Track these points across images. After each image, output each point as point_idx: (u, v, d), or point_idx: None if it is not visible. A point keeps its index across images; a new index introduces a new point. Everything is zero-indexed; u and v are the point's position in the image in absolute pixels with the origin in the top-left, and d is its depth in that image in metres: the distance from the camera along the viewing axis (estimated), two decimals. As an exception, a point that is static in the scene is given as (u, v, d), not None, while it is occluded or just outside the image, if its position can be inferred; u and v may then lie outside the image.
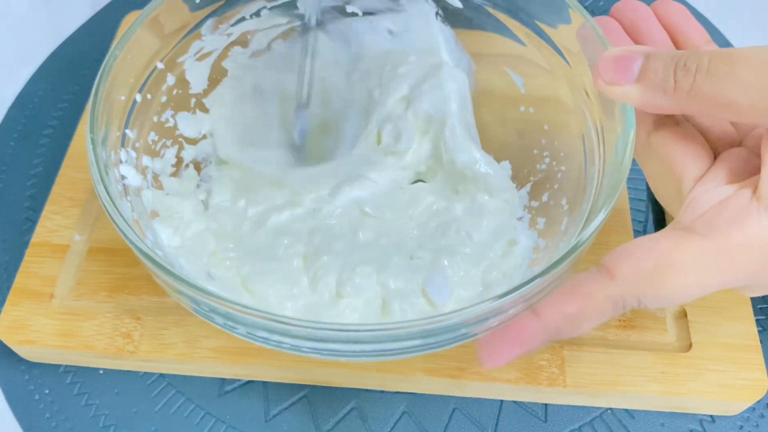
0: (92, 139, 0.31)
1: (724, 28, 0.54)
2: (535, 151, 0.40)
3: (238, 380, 0.38)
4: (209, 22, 0.39)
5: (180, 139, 0.40)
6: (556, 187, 0.38)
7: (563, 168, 0.38)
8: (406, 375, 0.36)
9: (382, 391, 0.37)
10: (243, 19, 0.40)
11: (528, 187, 0.40)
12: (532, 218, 0.39)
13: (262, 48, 0.42)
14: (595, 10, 0.55)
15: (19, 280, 0.39)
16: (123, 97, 0.35)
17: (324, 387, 0.38)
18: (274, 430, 0.37)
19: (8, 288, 0.39)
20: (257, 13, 0.41)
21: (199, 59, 0.40)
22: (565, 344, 0.37)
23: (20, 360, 0.38)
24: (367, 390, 0.37)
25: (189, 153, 0.41)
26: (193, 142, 0.41)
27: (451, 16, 0.41)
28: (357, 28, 0.43)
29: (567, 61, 0.36)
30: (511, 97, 0.41)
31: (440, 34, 0.41)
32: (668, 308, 0.32)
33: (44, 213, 0.41)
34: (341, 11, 0.42)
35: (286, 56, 0.43)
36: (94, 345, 0.37)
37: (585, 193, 0.34)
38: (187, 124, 0.40)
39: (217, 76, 0.42)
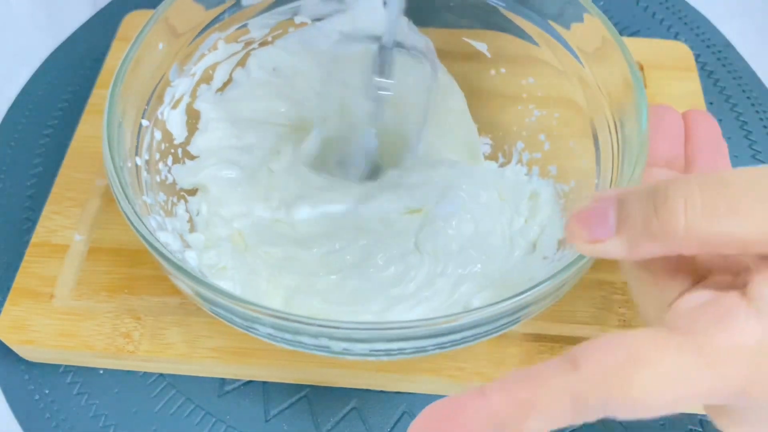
0: (134, 212, 0.30)
1: (724, 28, 0.54)
2: (542, 137, 0.41)
3: (238, 380, 0.38)
4: (174, 66, 0.38)
5: (182, 193, 0.39)
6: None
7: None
8: (406, 375, 0.36)
9: (382, 391, 0.37)
10: (203, 55, 0.40)
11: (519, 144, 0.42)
12: (541, 168, 0.40)
13: (225, 80, 0.42)
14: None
15: (19, 280, 0.39)
16: (129, 164, 0.34)
17: (324, 387, 0.38)
18: (274, 430, 0.37)
19: (8, 288, 0.39)
20: (214, 46, 0.40)
21: (174, 107, 0.39)
22: (565, 344, 0.37)
23: (20, 360, 0.38)
24: (367, 390, 0.37)
25: (194, 205, 0.39)
26: (192, 192, 0.40)
27: (462, 14, 0.41)
28: (308, 37, 0.42)
29: (580, 61, 0.36)
30: (519, 97, 0.42)
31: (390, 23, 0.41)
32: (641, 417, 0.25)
33: (44, 213, 0.41)
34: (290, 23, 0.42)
35: (252, 83, 0.43)
36: (94, 345, 0.37)
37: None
38: (182, 176, 0.39)
39: (193, 121, 0.41)
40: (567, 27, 0.37)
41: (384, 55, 0.35)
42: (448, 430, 0.23)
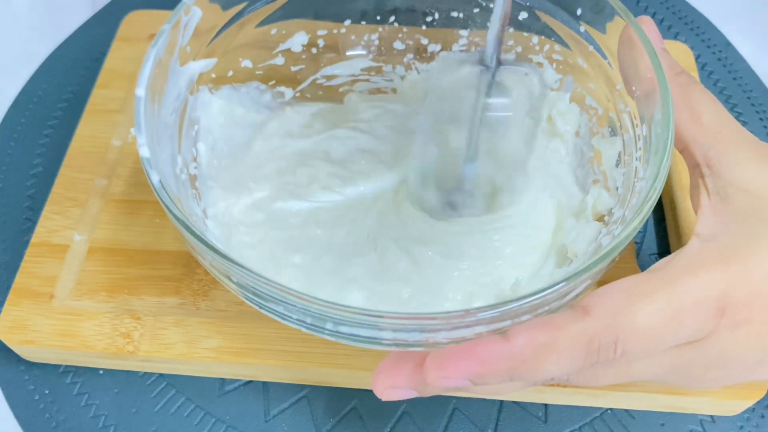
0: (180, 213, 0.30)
1: (724, 28, 0.54)
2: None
3: (238, 380, 0.38)
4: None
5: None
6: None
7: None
8: (406, 375, 0.36)
9: (382, 391, 0.37)
10: None
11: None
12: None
13: None
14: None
15: (19, 280, 0.39)
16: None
17: (324, 387, 0.38)
18: (274, 430, 0.37)
19: (8, 288, 0.39)
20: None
21: None
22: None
23: (20, 360, 0.38)
24: (367, 390, 0.37)
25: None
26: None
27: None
28: None
29: (611, 65, 0.36)
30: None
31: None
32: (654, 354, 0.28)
33: (44, 213, 0.41)
34: None
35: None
36: (94, 345, 0.37)
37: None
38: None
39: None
40: (602, 30, 0.36)
41: (488, 74, 0.33)
42: (471, 365, 0.25)
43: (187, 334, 0.37)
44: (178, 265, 0.39)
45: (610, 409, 0.37)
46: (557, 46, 0.39)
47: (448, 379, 0.25)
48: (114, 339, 0.37)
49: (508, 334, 0.25)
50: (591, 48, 0.37)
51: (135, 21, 0.50)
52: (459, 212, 0.38)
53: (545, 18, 0.39)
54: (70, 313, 0.38)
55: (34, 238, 0.40)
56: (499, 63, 0.32)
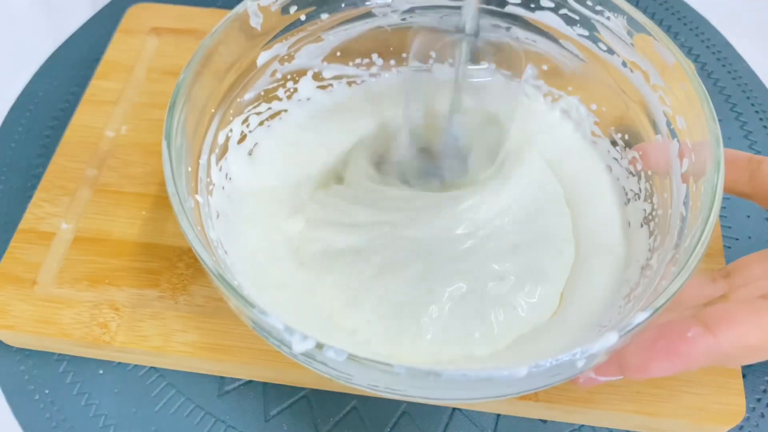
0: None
1: (724, 28, 0.54)
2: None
3: (238, 380, 0.38)
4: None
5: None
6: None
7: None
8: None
9: (382, 391, 0.37)
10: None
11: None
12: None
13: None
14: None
15: (4, 265, 0.39)
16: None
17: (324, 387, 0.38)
18: (274, 430, 0.37)
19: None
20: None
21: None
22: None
23: (20, 360, 0.38)
24: (367, 390, 0.37)
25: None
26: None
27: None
28: None
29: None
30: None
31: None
32: None
33: (34, 200, 0.41)
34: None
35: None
36: (71, 333, 0.37)
37: None
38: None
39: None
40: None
41: (469, 42, 0.34)
42: (675, 362, 0.26)
43: (164, 327, 0.37)
44: (159, 258, 0.39)
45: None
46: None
47: (655, 375, 0.26)
48: (91, 328, 0.37)
49: (712, 328, 0.26)
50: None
51: (138, 14, 0.50)
52: (445, 180, 0.38)
53: None
54: (51, 300, 0.38)
55: (22, 224, 0.40)
56: (478, 30, 0.33)
